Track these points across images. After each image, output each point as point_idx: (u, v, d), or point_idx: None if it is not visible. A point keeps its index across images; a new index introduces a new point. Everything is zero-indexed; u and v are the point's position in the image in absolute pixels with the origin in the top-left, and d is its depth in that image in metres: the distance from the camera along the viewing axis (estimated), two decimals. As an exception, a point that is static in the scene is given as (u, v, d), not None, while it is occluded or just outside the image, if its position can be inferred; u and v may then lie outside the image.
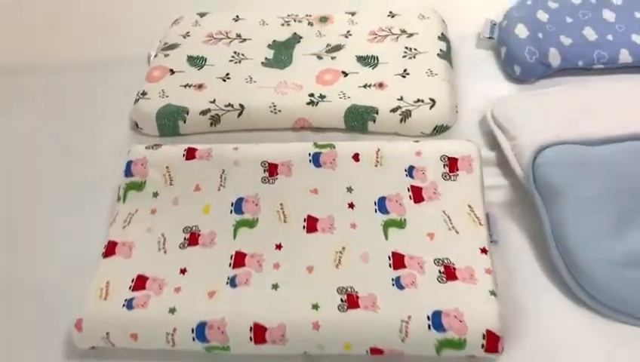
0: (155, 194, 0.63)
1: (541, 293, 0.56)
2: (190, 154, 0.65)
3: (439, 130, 0.71)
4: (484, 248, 0.56)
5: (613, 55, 0.76)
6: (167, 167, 0.64)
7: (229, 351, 0.53)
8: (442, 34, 0.81)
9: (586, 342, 0.53)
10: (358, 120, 0.72)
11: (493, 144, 0.69)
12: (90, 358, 0.55)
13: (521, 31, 0.78)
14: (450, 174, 0.61)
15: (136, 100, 0.76)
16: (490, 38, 0.81)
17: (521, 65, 0.76)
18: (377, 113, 0.71)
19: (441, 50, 0.79)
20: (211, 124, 0.74)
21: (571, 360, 0.52)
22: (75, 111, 0.80)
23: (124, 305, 0.54)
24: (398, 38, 0.81)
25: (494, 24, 0.82)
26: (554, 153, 0.60)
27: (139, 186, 0.63)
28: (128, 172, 0.64)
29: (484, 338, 0.49)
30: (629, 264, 0.53)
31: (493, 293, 0.52)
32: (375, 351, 0.51)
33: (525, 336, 0.53)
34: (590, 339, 0.53)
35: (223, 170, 0.63)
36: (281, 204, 0.60)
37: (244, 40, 0.84)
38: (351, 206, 0.60)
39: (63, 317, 0.56)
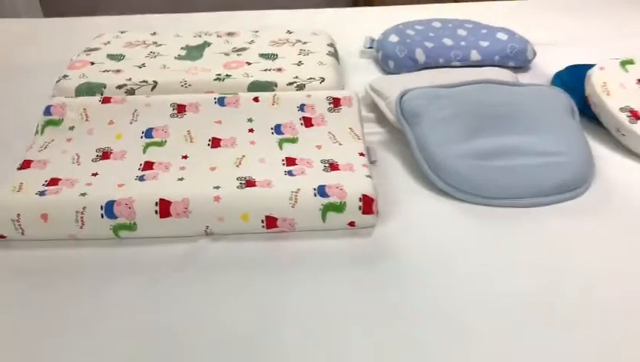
0: (72, 128, 0.69)
1: (409, 190, 0.67)
2: (106, 100, 0.73)
3: (328, 102, 0.84)
4: (361, 152, 0.66)
5: (466, 54, 0.94)
6: (84, 109, 0.71)
7: (135, 230, 0.57)
8: (331, 44, 0.97)
9: (440, 218, 0.63)
10: (260, 91, 0.83)
11: (373, 105, 0.83)
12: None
13: (394, 38, 0.96)
14: (335, 108, 0.72)
15: (58, 80, 0.84)
16: (369, 48, 0.98)
17: (394, 60, 0.93)
18: (276, 86, 0.83)
19: (329, 52, 0.94)
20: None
21: (433, 232, 0.61)
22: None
23: (36, 194, 0.58)
24: (294, 44, 0.96)
25: (372, 39, 1.00)
26: (415, 92, 0.73)
27: (56, 123, 0.70)
28: (47, 112, 0.71)
29: (360, 201, 0.58)
30: (474, 157, 0.66)
31: (368, 176, 0.62)
32: (270, 221, 0.58)
33: (397, 219, 0.62)
34: (445, 217, 0.63)
35: (136, 110, 0.71)
36: (188, 131, 0.69)
37: (160, 45, 0.96)
38: (251, 130, 0.69)
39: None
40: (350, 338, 0.50)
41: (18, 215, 0.56)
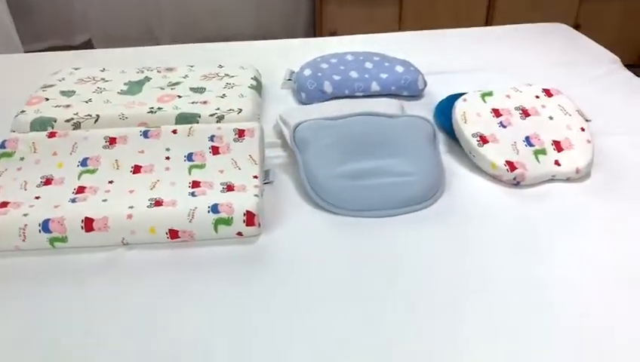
0: (22, 159, 0.85)
1: (295, 205, 0.83)
2: (52, 135, 0.89)
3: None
4: (255, 175, 0.82)
5: (368, 86, 1.11)
6: (33, 143, 0.87)
7: (66, 242, 0.73)
8: (255, 77, 1.14)
9: (315, 227, 0.79)
10: (186, 122, 0.99)
11: (280, 137, 0.99)
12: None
13: (307, 72, 1.12)
14: (240, 138, 0.89)
15: (16, 115, 1.00)
16: (289, 80, 1.15)
17: (306, 93, 1.09)
18: (200, 117, 0.99)
19: (252, 85, 1.10)
20: (74, 129, 0.98)
21: (308, 239, 0.77)
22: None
23: (-13, 215, 0.74)
24: (222, 78, 1.13)
25: (293, 71, 1.16)
26: (306, 123, 0.90)
27: (9, 155, 0.86)
28: (2, 146, 0.86)
29: (244, 215, 0.74)
30: (347, 178, 0.82)
31: (256, 195, 0.78)
32: (172, 233, 0.74)
33: (280, 229, 0.79)
34: (319, 227, 0.79)
35: (75, 143, 0.87)
36: (116, 160, 0.85)
37: (107, 81, 1.12)
38: (167, 158, 0.85)
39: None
40: (228, 321, 0.66)
41: (-27, 232, 0.72)
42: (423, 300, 0.69)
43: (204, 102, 1.04)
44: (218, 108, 1.01)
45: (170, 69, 1.16)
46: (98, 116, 0.99)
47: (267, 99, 1.12)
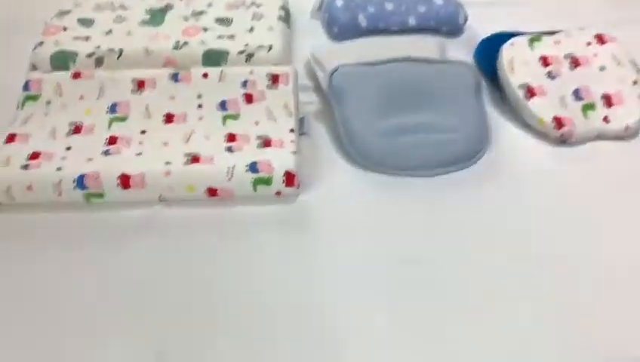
0: (48, 103, 0.82)
1: (331, 161, 0.80)
2: (76, 75, 0.84)
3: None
4: (292, 129, 0.79)
5: (405, 19, 1.04)
6: (57, 83, 0.83)
7: (102, 198, 0.72)
8: (283, 6, 1.06)
9: (355, 187, 0.77)
10: (214, 60, 0.94)
11: (313, 77, 0.94)
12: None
13: (339, 2, 1.05)
14: (273, 85, 0.84)
15: (34, 48, 0.95)
16: (318, 9, 1.08)
17: (338, 26, 1.03)
18: (228, 54, 0.94)
19: (280, 15, 1.03)
20: (96, 65, 0.93)
21: (346, 200, 0.75)
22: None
23: (22, 168, 0.72)
24: (249, 7, 1.05)
25: (322, 1, 1.09)
26: (345, 69, 0.85)
27: (35, 98, 0.82)
28: (26, 88, 0.83)
29: (284, 176, 0.72)
30: (389, 134, 0.79)
31: (294, 153, 0.75)
32: (211, 191, 0.72)
33: (318, 188, 0.77)
34: (357, 186, 0.77)
35: (102, 86, 0.83)
36: (146, 106, 0.81)
37: (127, 9, 1.05)
38: (200, 106, 0.82)
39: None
40: (268, 284, 0.66)
41: (9, 187, 0.70)
42: (476, 264, 0.68)
43: (232, 37, 0.97)
44: (247, 45, 0.95)
45: (193, -4, 1.09)
46: (121, 51, 0.94)
47: (296, 31, 1.05)
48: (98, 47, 0.94)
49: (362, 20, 1.03)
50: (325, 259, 0.69)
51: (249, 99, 0.83)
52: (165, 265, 0.68)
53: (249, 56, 0.94)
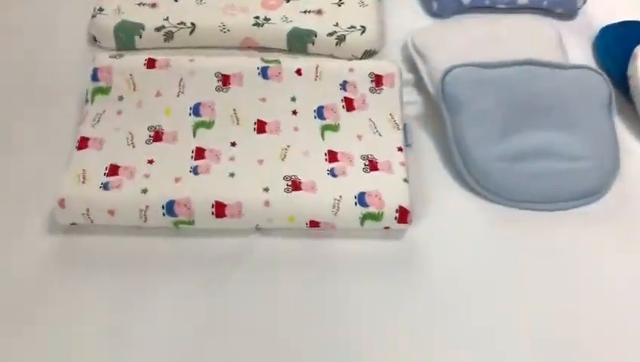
0: (121, 98, 0.71)
1: (442, 183, 0.71)
2: (150, 63, 0.73)
3: (368, 54, 0.83)
4: (400, 147, 0.69)
5: (514, -4, 0.90)
6: (130, 75, 0.72)
7: (193, 225, 0.64)
8: (372, -28, 0.92)
9: (471, 219, 0.69)
10: (299, 42, 0.82)
11: (412, 67, 0.82)
12: (72, 233, 0.64)
13: (439, -29, 0.91)
14: (376, 88, 0.73)
15: (94, 15, 0.83)
16: (411, -24, 0.93)
17: (438, 1, 0.89)
18: (316, 36, 0.82)
19: (370, -15, 0.89)
20: (165, 40, 0.82)
21: (465, 237, 0.67)
22: (34, 24, 0.85)
23: (100, 187, 0.63)
24: (333, -28, 0.91)
25: (415, -34, 0.94)
26: (459, 73, 0.73)
27: (105, 91, 0.71)
28: (95, 77, 0.72)
29: (397, 211, 0.64)
30: (510, 159, 0.69)
31: (405, 180, 0.66)
32: (313, 223, 0.64)
33: (429, 218, 0.68)
34: (475, 217, 0.69)
35: (181, 79, 0.72)
36: (234, 110, 0.71)
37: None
38: (294, 112, 0.71)
39: (44, 199, 0.65)
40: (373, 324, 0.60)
41: (87, 209, 0.62)
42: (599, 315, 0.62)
43: (318, 13, 0.85)
44: (337, 24, 0.83)
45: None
46: (194, 25, 0.82)
47: (385, 3, 0.91)
48: (166, 18, 0.82)
49: (465, -5, 0.89)
50: (436, 300, 0.62)
51: (349, 105, 0.72)
52: (261, 299, 0.62)
53: (339, 40, 0.82)
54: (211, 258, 0.64)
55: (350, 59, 0.79)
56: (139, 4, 0.84)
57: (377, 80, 0.73)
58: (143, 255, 0.64)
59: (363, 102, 0.72)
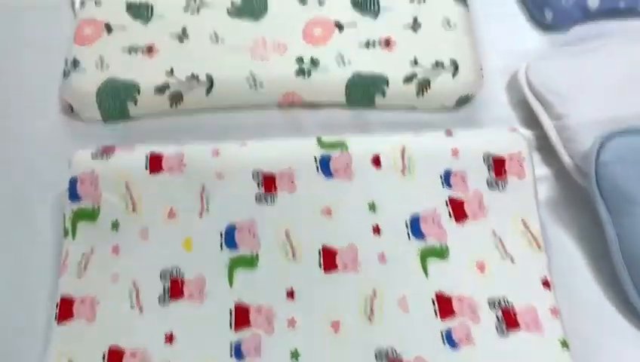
0: (115, 226, 0.47)
1: (605, 322, 0.47)
2: (155, 164, 0.49)
3: (463, 101, 0.58)
4: (546, 280, 0.45)
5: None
6: (126, 185, 0.48)
7: None
8: (452, -34, 0.64)
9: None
10: (364, 93, 0.57)
11: (529, 118, 0.57)
12: None
13: (552, -37, 0.63)
14: (498, 180, 0.48)
15: (66, 73, 0.57)
16: (511, -29, 0.65)
17: (554, 10, 0.62)
18: (387, 84, 0.56)
19: (455, -10, 0.62)
20: (171, 104, 0.57)
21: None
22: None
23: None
24: (399, -28, 0.64)
25: (515, -47, 0.66)
26: (623, 148, 0.48)
27: (91, 215, 0.47)
28: (74, 194, 0.47)
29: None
30: None
31: (564, 344, 0.43)
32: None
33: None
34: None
35: (204, 187, 0.48)
36: (286, 232, 0.47)
37: (200, -23, 0.64)
38: (376, 230, 0.47)
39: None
40: None
41: None
42: None
43: (387, 45, 0.58)
44: (415, 62, 0.57)
45: (301, -54, 0.66)
46: (211, 80, 0.56)
47: (472, 11, 0.64)
48: (170, 71, 0.57)
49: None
50: None
51: (459, 212, 0.47)
52: None
53: (422, 86, 0.56)
54: None
55: (438, 110, 0.54)
56: (129, 51, 0.58)
57: (497, 166, 0.48)
58: None
59: (480, 206, 0.48)
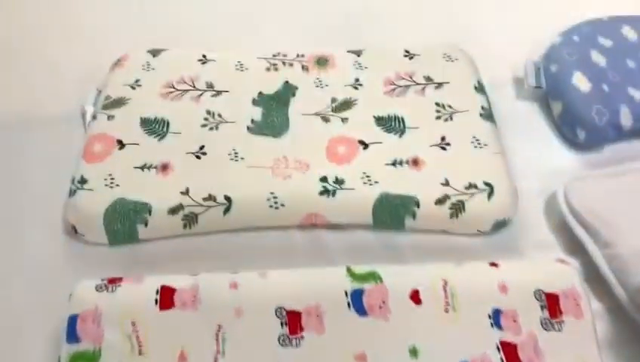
0: (118, 371, 0.41)
1: None
2: (166, 298, 0.43)
3: (499, 226, 0.54)
4: None
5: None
6: (132, 324, 0.42)
7: None
8: (479, 82, 0.63)
9: None
10: (393, 215, 0.53)
11: (570, 242, 0.53)
12: None
13: (581, 81, 0.61)
14: (553, 321, 0.43)
15: (72, 192, 0.53)
16: (537, 87, 0.64)
17: (587, 129, 0.60)
18: (418, 206, 0.53)
19: (482, 107, 0.60)
20: (185, 226, 0.53)
21: None
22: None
23: None
24: (424, 89, 0.62)
25: (539, 67, 0.65)
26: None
27: (90, 359, 0.41)
28: (72, 335, 0.42)
29: None
30: None
31: None
32: None
33: None
34: None
35: (219, 327, 0.42)
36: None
37: (219, 92, 0.61)
38: (418, 385, 0.41)
39: None
40: None
41: None
42: None
43: (415, 164, 0.55)
44: (447, 182, 0.53)
45: (322, 62, 0.64)
46: (229, 201, 0.52)
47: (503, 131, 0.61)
48: (186, 191, 0.53)
49: (626, 117, 0.59)
50: None
51: (512, 357, 0.41)
52: None
53: (456, 209, 0.52)
54: None
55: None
56: (142, 168, 0.55)
57: (551, 304, 0.43)
58: None
59: (534, 350, 0.42)
